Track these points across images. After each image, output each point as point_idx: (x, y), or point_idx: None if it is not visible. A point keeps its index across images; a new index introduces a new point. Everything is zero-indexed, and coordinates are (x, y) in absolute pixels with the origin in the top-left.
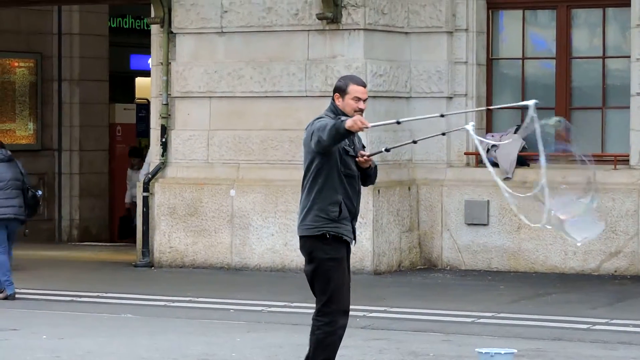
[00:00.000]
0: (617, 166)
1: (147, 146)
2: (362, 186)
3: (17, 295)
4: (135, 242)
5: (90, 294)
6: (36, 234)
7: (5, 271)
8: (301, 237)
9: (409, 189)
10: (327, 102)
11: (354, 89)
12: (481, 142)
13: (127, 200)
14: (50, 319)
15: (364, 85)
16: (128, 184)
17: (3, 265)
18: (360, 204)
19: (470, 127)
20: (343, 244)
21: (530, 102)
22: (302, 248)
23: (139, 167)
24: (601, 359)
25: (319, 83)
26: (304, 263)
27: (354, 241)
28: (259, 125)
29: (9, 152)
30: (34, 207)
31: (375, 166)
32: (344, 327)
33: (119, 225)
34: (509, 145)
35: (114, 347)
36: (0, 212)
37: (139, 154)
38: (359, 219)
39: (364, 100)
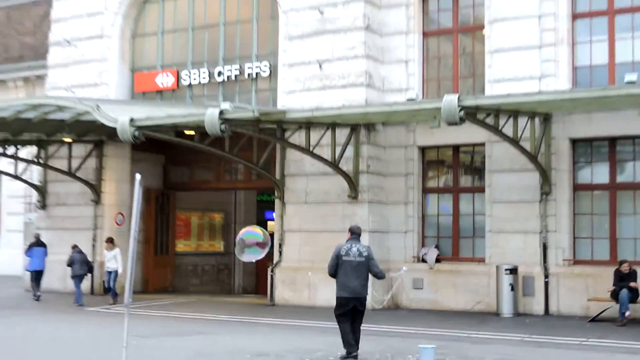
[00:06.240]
0: (479, 263)
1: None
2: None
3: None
4: (266, 294)
5: (245, 318)
6: (222, 290)
7: None
8: (364, 297)
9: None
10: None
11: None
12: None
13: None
14: (222, 327)
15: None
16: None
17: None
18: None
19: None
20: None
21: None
22: (364, 300)
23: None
24: (475, 351)
25: (347, 225)
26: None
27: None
28: (321, 244)
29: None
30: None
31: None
32: None
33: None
34: (431, 253)
35: (257, 342)
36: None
37: None
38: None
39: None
